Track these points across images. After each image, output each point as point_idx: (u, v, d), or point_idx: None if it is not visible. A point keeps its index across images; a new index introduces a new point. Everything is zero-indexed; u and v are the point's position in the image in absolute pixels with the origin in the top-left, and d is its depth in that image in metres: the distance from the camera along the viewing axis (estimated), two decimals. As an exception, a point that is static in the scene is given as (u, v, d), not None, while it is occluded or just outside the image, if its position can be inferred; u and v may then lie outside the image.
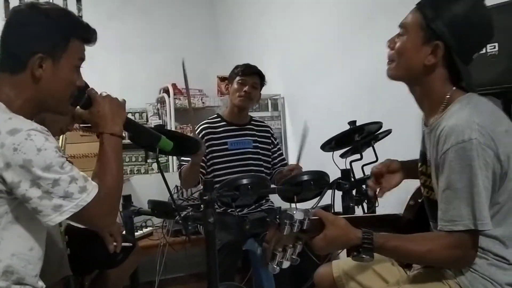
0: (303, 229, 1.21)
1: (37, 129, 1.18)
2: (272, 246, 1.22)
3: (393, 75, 1.39)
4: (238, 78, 2.74)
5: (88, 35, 1.36)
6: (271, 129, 2.99)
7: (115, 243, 1.89)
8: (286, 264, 1.25)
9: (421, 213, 1.47)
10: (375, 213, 2.25)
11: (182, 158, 2.70)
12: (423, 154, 1.44)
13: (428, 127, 1.38)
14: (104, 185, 1.26)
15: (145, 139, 1.55)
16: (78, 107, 1.40)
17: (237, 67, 2.81)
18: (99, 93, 1.39)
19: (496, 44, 1.82)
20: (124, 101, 1.42)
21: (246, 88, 2.72)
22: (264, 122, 3.04)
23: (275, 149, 2.93)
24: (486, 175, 1.19)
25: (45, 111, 1.37)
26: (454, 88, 1.32)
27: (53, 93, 1.29)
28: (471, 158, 1.18)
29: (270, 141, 2.91)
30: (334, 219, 1.28)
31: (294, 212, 1.21)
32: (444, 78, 1.32)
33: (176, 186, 2.91)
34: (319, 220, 1.27)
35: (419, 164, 1.45)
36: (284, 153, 3.84)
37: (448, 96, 1.31)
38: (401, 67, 1.36)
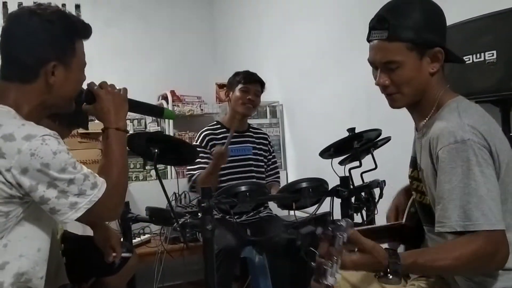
0: (344, 241, 1.16)
1: (50, 134, 1.21)
2: (326, 261, 1.14)
3: (402, 105, 1.36)
4: (240, 85, 2.74)
5: (87, 32, 1.38)
6: (268, 137, 3.00)
7: (114, 254, 1.88)
8: (332, 281, 1.11)
9: None
10: (374, 220, 2.25)
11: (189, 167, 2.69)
12: (414, 159, 1.43)
13: (419, 131, 1.38)
14: (111, 179, 1.30)
15: (151, 114, 1.70)
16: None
17: (238, 74, 2.81)
18: (98, 84, 1.42)
19: (495, 52, 1.82)
20: (126, 90, 1.47)
21: (250, 96, 2.73)
22: (262, 130, 3.05)
23: (270, 156, 2.94)
24: (490, 172, 1.17)
25: (52, 111, 1.40)
26: (443, 90, 1.32)
27: (64, 96, 1.33)
28: (464, 159, 1.16)
29: (267, 148, 2.92)
30: (373, 247, 1.18)
31: (342, 222, 1.13)
32: (441, 77, 1.33)
33: (174, 193, 2.90)
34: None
35: (410, 169, 1.45)
36: (282, 160, 3.86)
37: (437, 101, 1.31)
38: (411, 94, 1.33)
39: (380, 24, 1.30)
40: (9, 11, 4.28)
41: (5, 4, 4.34)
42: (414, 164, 1.43)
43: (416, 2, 1.31)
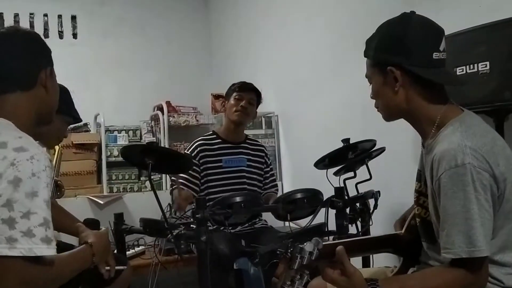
0: (312, 259, 1.18)
1: (42, 154, 1.16)
2: (282, 281, 1.18)
3: (386, 118, 1.44)
4: (235, 94, 2.76)
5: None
6: (265, 148, 2.98)
7: (108, 267, 1.84)
8: None
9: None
10: (369, 231, 2.24)
11: (173, 178, 2.69)
12: (420, 173, 1.43)
13: (425, 148, 1.38)
14: (61, 267, 1.22)
15: None
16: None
17: (233, 84, 2.83)
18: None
19: (488, 63, 1.83)
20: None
21: (242, 103, 2.72)
22: (258, 141, 3.03)
23: (268, 169, 2.92)
24: (486, 198, 1.17)
25: (40, 124, 1.41)
26: (444, 107, 1.32)
27: (53, 104, 1.41)
28: (465, 183, 1.16)
29: (263, 160, 2.90)
30: (353, 274, 1.19)
31: (305, 244, 1.18)
32: (424, 97, 1.32)
33: (169, 204, 2.88)
34: (331, 249, 1.22)
35: (416, 183, 1.44)
36: (277, 171, 3.86)
37: (439, 117, 1.31)
38: (385, 108, 1.41)
39: (365, 43, 1.44)
40: (5, 22, 4.29)
41: (1, 15, 4.35)
42: (420, 178, 1.42)
43: (387, 23, 1.39)
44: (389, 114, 1.42)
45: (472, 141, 1.20)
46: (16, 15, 4.36)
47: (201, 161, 2.71)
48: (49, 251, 1.11)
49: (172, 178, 2.72)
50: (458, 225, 1.17)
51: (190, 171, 2.64)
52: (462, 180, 1.17)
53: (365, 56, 1.42)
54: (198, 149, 2.73)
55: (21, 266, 1.09)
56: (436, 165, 1.23)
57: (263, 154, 2.91)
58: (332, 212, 2.18)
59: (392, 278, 1.30)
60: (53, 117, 1.44)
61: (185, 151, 2.79)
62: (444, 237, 1.20)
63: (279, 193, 3.06)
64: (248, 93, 2.77)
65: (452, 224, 1.18)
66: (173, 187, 2.63)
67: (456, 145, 1.20)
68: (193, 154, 2.71)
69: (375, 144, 2.31)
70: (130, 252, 2.80)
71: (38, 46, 1.39)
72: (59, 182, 2.26)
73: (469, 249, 1.15)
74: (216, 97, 4.63)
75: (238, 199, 2.03)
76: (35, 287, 1.13)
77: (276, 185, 2.96)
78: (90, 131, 4.20)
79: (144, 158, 2.02)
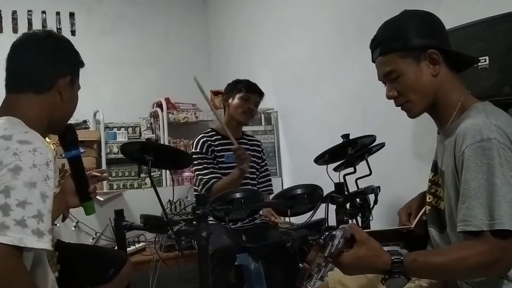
0: (338, 247, 1.16)
1: (45, 150, 1.19)
2: (311, 267, 1.16)
3: (417, 112, 1.40)
4: (242, 94, 2.75)
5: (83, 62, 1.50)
6: (261, 144, 3.01)
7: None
8: (318, 284, 1.18)
9: None
10: (369, 226, 2.25)
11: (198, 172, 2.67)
12: (435, 163, 1.44)
13: (441, 134, 1.38)
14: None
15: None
16: None
17: (239, 82, 2.82)
18: None
19: (487, 58, 1.83)
20: None
21: (251, 106, 2.75)
22: (254, 137, 3.06)
23: (263, 163, 2.95)
24: (511, 175, 1.15)
25: (49, 132, 1.45)
26: (466, 93, 1.34)
27: (66, 113, 1.42)
28: (490, 157, 1.15)
29: (260, 155, 2.93)
30: (368, 238, 1.19)
31: (336, 232, 1.17)
32: (452, 80, 1.35)
33: (169, 201, 2.89)
34: (351, 235, 1.20)
35: (431, 174, 1.45)
36: (277, 167, 3.87)
37: (461, 101, 1.33)
38: (420, 100, 1.37)
39: (373, 43, 1.41)
40: (3, 19, 4.29)
41: (-1, 12, 4.35)
42: (435, 168, 1.43)
43: (402, 16, 1.39)
44: (423, 106, 1.37)
45: (497, 121, 1.21)
46: (14, 12, 4.35)
47: (212, 155, 2.72)
48: (39, 244, 1.10)
49: None
50: (480, 198, 1.15)
51: (211, 164, 2.66)
52: (487, 154, 1.16)
53: (386, 53, 1.36)
54: (206, 144, 2.73)
55: (6, 254, 1.07)
56: (460, 141, 1.22)
57: (260, 149, 2.95)
58: (332, 208, 2.19)
59: (414, 252, 1.27)
60: (61, 128, 1.45)
61: (193, 150, 2.76)
62: (464, 210, 1.18)
63: (279, 189, 3.06)
64: (254, 95, 2.79)
65: (474, 197, 1.16)
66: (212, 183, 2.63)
67: (482, 122, 1.21)
68: (203, 150, 2.71)
69: (374, 140, 2.31)
70: (130, 249, 2.81)
71: (63, 53, 1.39)
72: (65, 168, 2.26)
73: (489, 222, 1.13)
74: (215, 93, 4.62)
75: (238, 195, 2.03)
76: (15, 279, 1.09)
77: (269, 181, 2.95)
78: (89, 128, 4.20)
79: (144, 155, 2.03)
